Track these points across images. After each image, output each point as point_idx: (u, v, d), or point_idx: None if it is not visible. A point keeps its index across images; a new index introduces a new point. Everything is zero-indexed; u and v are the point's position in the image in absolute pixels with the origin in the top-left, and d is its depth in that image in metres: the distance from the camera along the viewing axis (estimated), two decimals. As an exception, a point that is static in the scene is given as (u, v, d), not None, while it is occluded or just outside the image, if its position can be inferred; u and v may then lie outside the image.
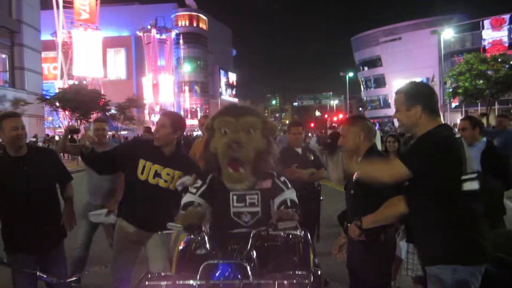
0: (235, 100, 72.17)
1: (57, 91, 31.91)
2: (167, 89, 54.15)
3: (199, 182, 2.83)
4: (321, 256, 4.58)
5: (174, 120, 3.34)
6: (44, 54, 35.34)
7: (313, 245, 4.43)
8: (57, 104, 28.90)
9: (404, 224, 2.96)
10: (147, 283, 2.03)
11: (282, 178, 2.82)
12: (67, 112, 28.05)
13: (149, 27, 53.32)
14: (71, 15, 40.54)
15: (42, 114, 32.05)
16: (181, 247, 2.79)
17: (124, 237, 3.39)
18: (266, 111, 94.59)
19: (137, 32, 54.40)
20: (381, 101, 65.75)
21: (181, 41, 61.96)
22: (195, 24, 65.31)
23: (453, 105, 36.01)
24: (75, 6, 40.40)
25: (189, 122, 41.55)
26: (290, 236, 2.75)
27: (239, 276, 2.08)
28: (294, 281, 2.06)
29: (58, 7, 39.72)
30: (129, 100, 39.58)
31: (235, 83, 78.86)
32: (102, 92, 34.36)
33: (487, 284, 2.44)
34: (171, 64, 56.81)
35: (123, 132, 39.15)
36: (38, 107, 29.02)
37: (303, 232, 2.94)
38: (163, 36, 55.14)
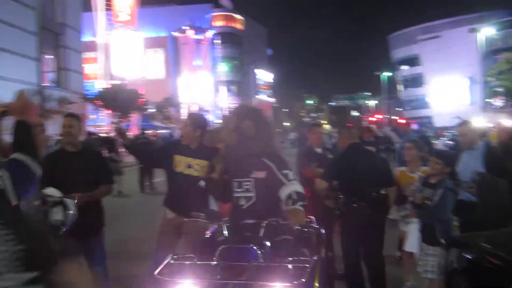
0: (272, 99, 72.43)
1: (97, 90, 33.09)
2: (204, 89, 54.96)
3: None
4: (339, 250, 4.81)
5: (193, 120, 3.97)
6: (86, 55, 36.73)
7: (331, 239, 4.74)
8: (99, 103, 30.07)
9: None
10: (172, 262, 2.38)
11: (285, 171, 2.97)
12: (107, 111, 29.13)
13: (185, 27, 54.27)
14: (112, 17, 41.72)
15: (84, 112, 33.35)
16: (207, 236, 3.16)
17: (165, 223, 3.93)
18: (303, 111, 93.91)
19: (173, 33, 55.45)
20: (420, 101, 64.33)
21: (217, 41, 62.71)
22: (231, 24, 65.96)
23: (498, 104, 34.48)
24: (115, 8, 41.47)
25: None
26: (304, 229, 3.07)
27: (250, 259, 2.42)
28: (299, 265, 2.36)
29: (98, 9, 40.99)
30: (165, 100, 40.54)
31: (270, 82, 78.96)
32: (141, 92, 35.32)
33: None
34: (207, 64, 57.63)
35: (161, 131, 40.07)
36: (81, 106, 30.31)
37: (317, 226, 3.26)
38: (200, 37, 55.98)
